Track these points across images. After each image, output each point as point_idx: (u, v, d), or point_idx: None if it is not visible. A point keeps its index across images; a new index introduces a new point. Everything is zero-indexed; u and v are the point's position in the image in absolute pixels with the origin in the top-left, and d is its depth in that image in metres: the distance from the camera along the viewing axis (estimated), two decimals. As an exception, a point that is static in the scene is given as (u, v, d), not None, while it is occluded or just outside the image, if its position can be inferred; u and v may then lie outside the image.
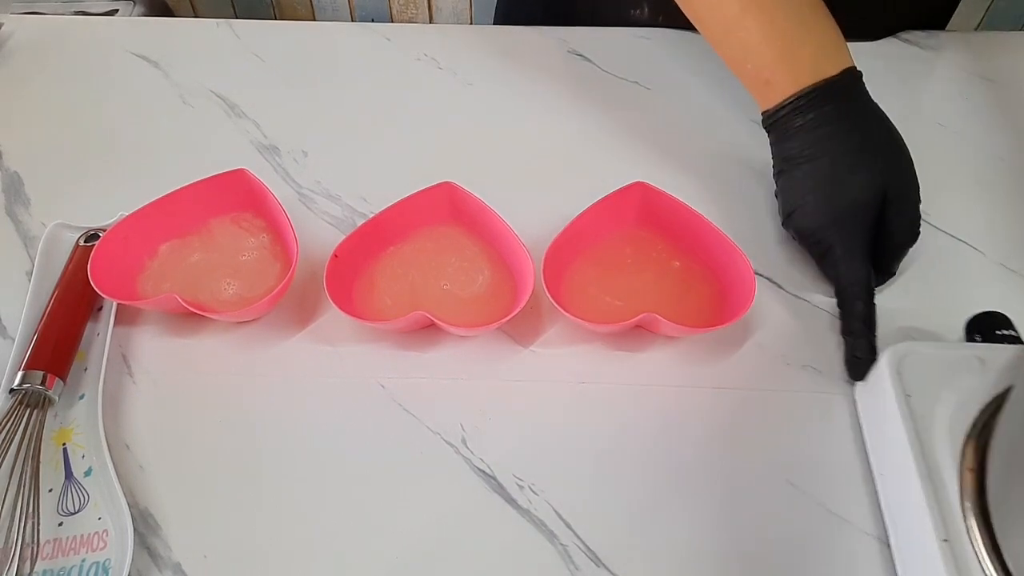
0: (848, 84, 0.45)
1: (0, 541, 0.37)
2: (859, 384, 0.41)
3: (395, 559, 0.38)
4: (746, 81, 0.47)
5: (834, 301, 0.45)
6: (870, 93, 0.45)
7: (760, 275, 0.47)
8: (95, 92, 0.61)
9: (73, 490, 0.39)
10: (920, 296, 0.46)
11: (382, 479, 0.40)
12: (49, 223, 0.49)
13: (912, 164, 0.45)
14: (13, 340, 0.43)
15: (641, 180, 0.46)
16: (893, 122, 0.45)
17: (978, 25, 1.47)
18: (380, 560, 0.37)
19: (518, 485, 0.40)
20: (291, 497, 0.39)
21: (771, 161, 0.47)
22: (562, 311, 0.42)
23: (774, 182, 0.48)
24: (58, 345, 0.43)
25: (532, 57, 0.62)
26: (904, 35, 0.62)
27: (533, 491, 0.39)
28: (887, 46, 0.61)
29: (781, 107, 0.45)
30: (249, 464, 0.41)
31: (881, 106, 0.45)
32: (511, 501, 0.39)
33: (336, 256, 0.44)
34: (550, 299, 0.42)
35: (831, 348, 0.44)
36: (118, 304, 0.45)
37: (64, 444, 0.41)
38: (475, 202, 0.46)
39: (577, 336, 0.45)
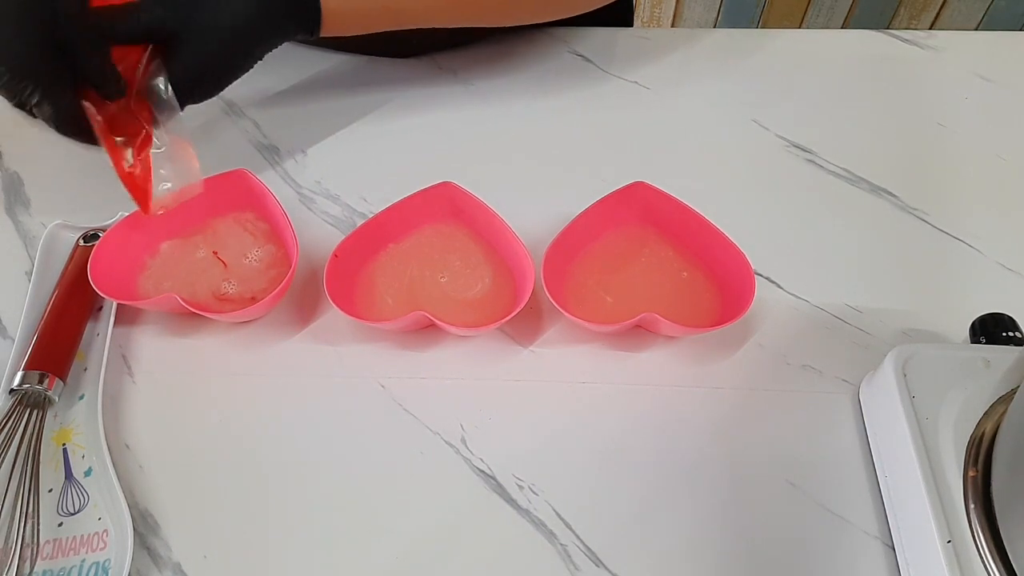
0: None
1: (0, 541, 0.37)
2: (863, 385, 0.41)
3: (395, 559, 0.37)
4: None
5: (834, 301, 0.45)
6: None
7: (760, 275, 0.47)
8: (95, 92, 0.61)
9: (73, 490, 0.39)
10: (920, 297, 0.46)
11: (382, 479, 0.40)
12: (49, 223, 0.49)
13: None
14: (13, 340, 0.44)
15: (641, 180, 0.46)
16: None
17: (978, 25, 1.47)
18: (380, 560, 0.37)
19: (518, 485, 0.40)
20: (291, 497, 0.39)
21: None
22: (562, 311, 0.41)
23: None
24: (58, 345, 0.43)
25: (532, 57, 0.62)
26: (904, 35, 0.62)
27: (533, 491, 0.39)
28: (887, 45, 0.61)
29: None
30: (249, 464, 0.41)
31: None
32: (511, 501, 0.39)
33: (336, 256, 0.44)
34: (550, 299, 0.42)
35: (831, 348, 0.44)
36: (118, 304, 0.45)
37: (64, 444, 0.41)
38: (475, 202, 0.46)
39: (577, 336, 0.45)
